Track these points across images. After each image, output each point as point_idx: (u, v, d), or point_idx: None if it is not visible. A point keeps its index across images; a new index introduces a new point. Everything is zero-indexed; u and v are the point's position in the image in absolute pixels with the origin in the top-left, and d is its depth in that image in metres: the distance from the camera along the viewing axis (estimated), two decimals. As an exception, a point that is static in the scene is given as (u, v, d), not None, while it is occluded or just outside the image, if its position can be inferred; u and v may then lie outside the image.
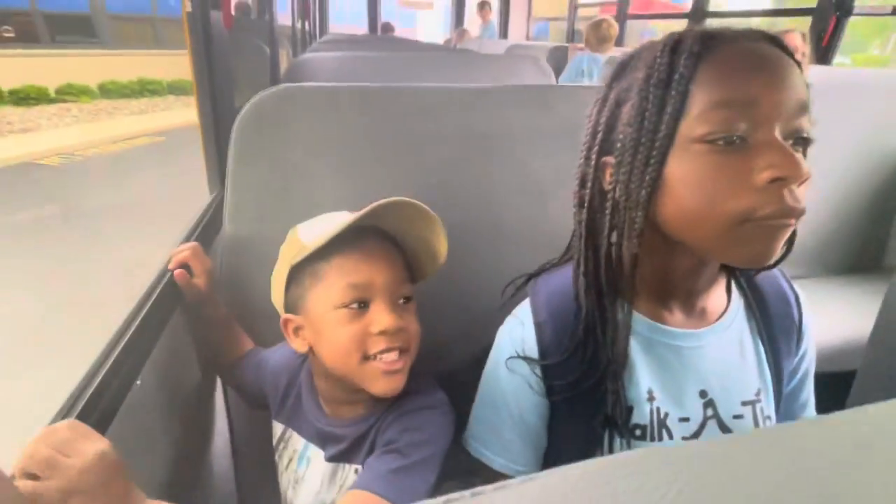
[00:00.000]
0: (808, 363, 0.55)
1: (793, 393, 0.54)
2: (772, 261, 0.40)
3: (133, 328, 0.57)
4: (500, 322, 0.55)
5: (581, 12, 4.05)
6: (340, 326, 0.49)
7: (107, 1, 9.14)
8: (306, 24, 3.72)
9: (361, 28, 5.19)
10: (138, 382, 0.54)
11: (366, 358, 0.49)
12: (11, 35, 7.89)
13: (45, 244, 2.87)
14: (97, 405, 0.46)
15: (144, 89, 7.95)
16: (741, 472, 0.12)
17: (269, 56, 1.76)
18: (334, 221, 0.49)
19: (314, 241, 0.49)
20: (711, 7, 2.81)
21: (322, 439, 0.56)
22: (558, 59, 2.91)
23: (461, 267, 0.70)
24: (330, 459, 0.54)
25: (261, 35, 1.78)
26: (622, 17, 3.31)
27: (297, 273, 0.51)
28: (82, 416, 0.43)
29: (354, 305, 0.49)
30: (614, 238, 0.46)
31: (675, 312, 0.49)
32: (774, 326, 0.51)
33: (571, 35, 4.10)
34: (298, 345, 0.53)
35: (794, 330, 0.53)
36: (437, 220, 0.52)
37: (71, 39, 8.59)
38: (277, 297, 0.54)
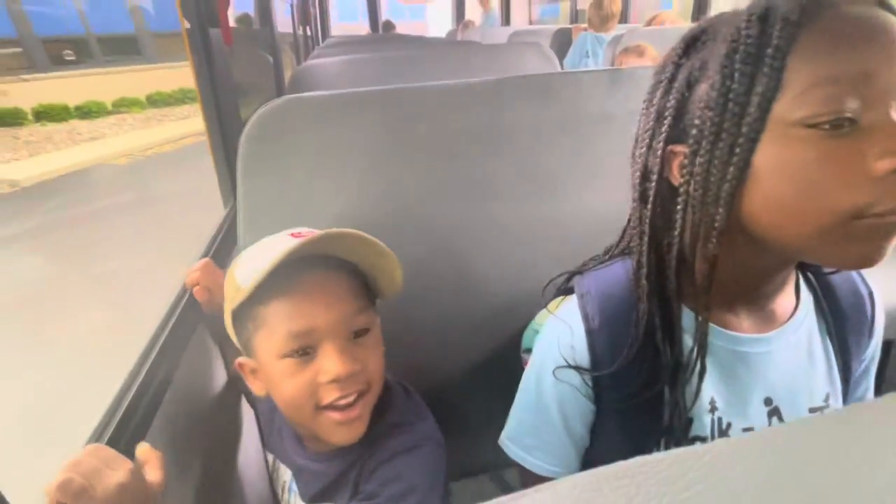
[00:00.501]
0: (871, 358, 0.51)
1: (854, 389, 0.51)
2: (880, 262, 0.35)
3: (159, 344, 0.59)
4: (515, 318, 0.54)
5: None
6: (287, 378, 0.45)
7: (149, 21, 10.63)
8: (307, 29, 3.74)
9: (362, 26, 5.20)
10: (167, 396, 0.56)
11: (319, 408, 0.45)
12: (73, 58, 9.49)
13: (132, 221, 3.81)
14: (129, 424, 0.48)
15: (185, 97, 9.13)
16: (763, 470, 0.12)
17: (273, 65, 1.78)
18: (272, 253, 0.44)
19: (249, 283, 0.44)
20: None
21: (301, 474, 0.54)
22: (562, 42, 2.85)
23: (472, 264, 0.70)
24: (310, 501, 0.52)
25: (263, 45, 1.80)
26: (626, -8, 3.21)
27: (239, 317, 0.47)
28: (114, 438, 0.44)
29: (298, 354, 0.45)
30: (687, 238, 0.40)
31: (741, 316, 0.44)
32: (846, 325, 0.47)
33: (574, 16, 4.02)
34: (257, 388, 0.50)
35: (866, 328, 0.48)
36: (383, 248, 0.48)
37: (119, 58, 10.03)
38: (232, 337, 0.50)
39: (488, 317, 0.72)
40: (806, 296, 0.47)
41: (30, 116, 7.79)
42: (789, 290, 0.45)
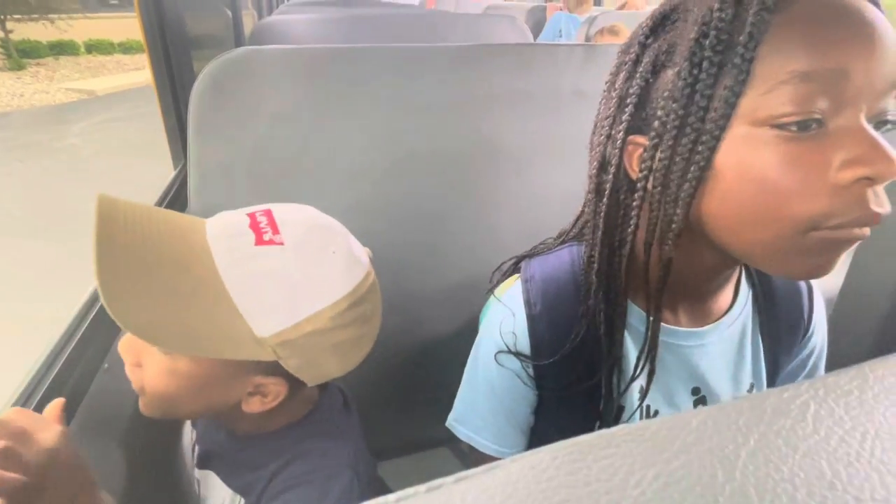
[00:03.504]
0: (816, 358, 0.51)
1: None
2: (828, 273, 0.34)
3: (97, 307, 0.54)
4: (479, 294, 0.53)
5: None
6: None
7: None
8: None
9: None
10: (105, 366, 0.52)
11: None
12: (116, 2, 11.54)
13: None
14: (60, 391, 0.44)
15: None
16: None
17: (232, 19, 1.66)
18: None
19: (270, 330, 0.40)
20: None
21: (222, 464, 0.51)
22: (537, 19, 2.82)
23: (438, 238, 0.69)
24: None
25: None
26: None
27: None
28: (43, 402, 0.41)
29: None
30: (641, 237, 0.38)
31: (679, 311, 0.44)
32: (780, 320, 0.47)
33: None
34: None
35: (802, 323, 0.48)
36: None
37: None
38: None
39: (452, 291, 0.71)
40: (745, 290, 0.46)
41: (83, 49, 10.59)
42: (730, 286, 0.45)
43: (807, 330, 0.49)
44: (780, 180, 0.31)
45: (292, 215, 0.43)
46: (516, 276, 0.48)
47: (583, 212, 0.46)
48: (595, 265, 0.41)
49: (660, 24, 0.36)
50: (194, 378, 0.41)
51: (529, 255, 0.50)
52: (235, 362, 0.40)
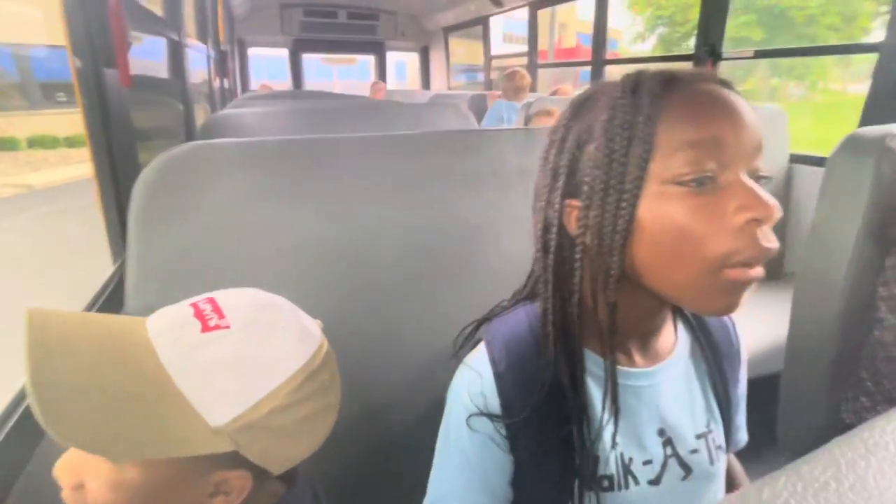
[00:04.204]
0: (742, 387, 0.56)
1: (736, 414, 0.55)
2: (736, 311, 0.39)
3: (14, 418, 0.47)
4: (438, 368, 0.52)
5: (495, 63, 4.35)
6: None
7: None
8: (226, 81, 3.66)
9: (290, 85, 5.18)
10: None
11: None
12: (64, 99, 10.65)
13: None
14: None
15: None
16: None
17: (184, 113, 1.69)
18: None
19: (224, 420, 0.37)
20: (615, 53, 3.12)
21: None
22: (479, 106, 3.07)
23: (392, 317, 0.67)
24: None
25: (174, 92, 1.71)
26: (532, 67, 3.58)
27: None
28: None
29: None
30: (587, 285, 0.43)
31: (631, 353, 0.47)
32: (720, 354, 0.52)
33: (489, 84, 4.37)
34: None
35: (735, 354, 0.53)
36: None
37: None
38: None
39: (415, 369, 0.68)
40: (682, 329, 0.51)
41: (24, 144, 10.42)
42: (670, 326, 0.50)
43: (739, 358, 0.54)
44: (689, 227, 0.37)
45: (236, 299, 0.42)
46: (479, 344, 0.50)
47: (533, 270, 0.50)
48: (550, 317, 0.45)
49: (578, 109, 0.44)
50: (147, 488, 0.37)
51: (488, 317, 0.52)
52: (192, 461, 0.36)
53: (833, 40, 9.76)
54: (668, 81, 0.39)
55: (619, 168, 0.39)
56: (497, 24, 4.19)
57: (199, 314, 0.39)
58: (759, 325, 1.33)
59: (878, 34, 1.53)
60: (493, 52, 4.33)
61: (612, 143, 0.39)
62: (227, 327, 0.39)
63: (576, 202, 0.42)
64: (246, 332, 0.39)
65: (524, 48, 3.68)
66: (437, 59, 5.21)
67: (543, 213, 0.45)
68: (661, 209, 0.38)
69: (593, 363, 0.46)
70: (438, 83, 5.25)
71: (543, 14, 3.53)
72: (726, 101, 0.38)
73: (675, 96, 0.38)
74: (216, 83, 2.84)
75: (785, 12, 10.10)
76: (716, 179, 0.37)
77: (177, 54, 1.65)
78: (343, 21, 4.75)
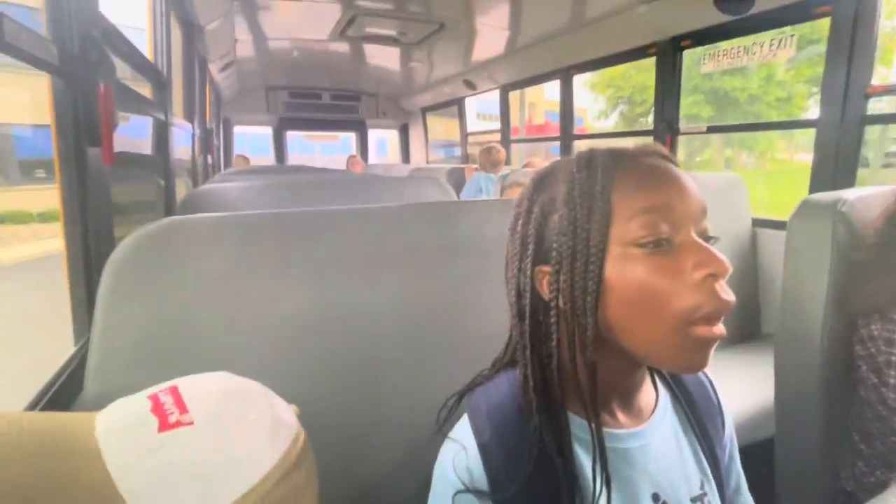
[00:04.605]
0: (731, 446, 0.55)
1: (727, 478, 0.53)
2: (706, 367, 0.41)
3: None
4: (436, 446, 0.49)
5: (471, 138, 4.60)
6: None
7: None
8: (209, 157, 3.75)
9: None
10: None
11: None
12: (43, 175, 10.74)
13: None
14: None
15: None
16: None
17: (165, 188, 1.70)
18: None
19: None
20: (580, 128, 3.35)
21: None
22: (457, 178, 3.20)
23: (373, 391, 0.64)
24: None
25: (157, 168, 1.73)
26: (505, 142, 3.80)
27: None
28: None
29: None
30: (564, 348, 0.44)
31: (616, 414, 0.47)
32: (701, 414, 0.52)
33: (465, 158, 4.59)
34: None
35: (716, 411, 0.54)
36: None
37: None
38: None
39: (399, 447, 0.64)
40: (662, 389, 0.52)
41: None
42: (649, 383, 0.51)
43: (722, 419, 0.54)
44: (653, 285, 0.40)
45: (202, 387, 0.38)
46: (463, 417, 0.48)
47: (511, 337, 0.50)
48: (531, 383, 0.45)
49: (540, 183, 0.48)
50: None
51: (470, 388, 0.51)
52: None
53: (774, 116, 10.82)
54: (618, 156, 0.44)
55: (583, 234, 0.42)
56: (472, 103, 4.50)
57: (157, 408, 0.35)
58: (746, 389, 1.32)
59: (813, 111, 1.69)
60: (469, 129, 4.60)
61: (574, 211, 0.42)
62: (190, 423, 0.35)
63: (546, 268, 0.44)
64: (211, 429, 0.35)
65: (498, 125, 3.93)
66: (416, 135, 5.50)
67: (516, 280, 0.47)
68: (625, 270, 0.41)
69: (579, 428, 0.45)
70: (418, 157, 5.49)
71: (514, 94, 3.81)
72: (669, 171, 0.43)
73: (625, 169, 0.43)
74: (200, 159, 2.91)
75: (729, 93, 11.21)
76: (671, 241, 0.40)
77: (162, 133, 1.70)
78: (326, 102, 5.03)
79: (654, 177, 0.42)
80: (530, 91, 3.89)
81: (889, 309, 0.83)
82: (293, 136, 5.77)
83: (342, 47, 3.14)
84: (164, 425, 0.34)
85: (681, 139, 2.31)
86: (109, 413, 0.36)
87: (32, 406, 0.60)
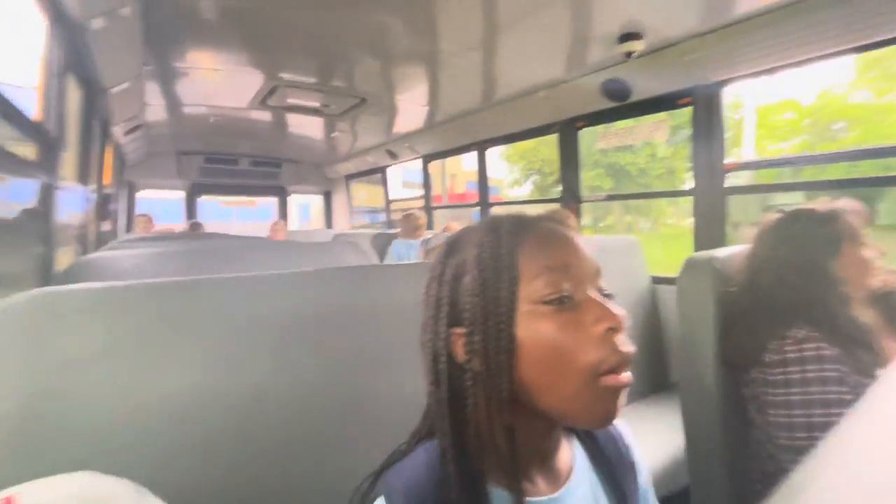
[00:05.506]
0: (650, 499, 0.56)
1: None
2: (617, 417, 0.43)
3: None
4: None
5: (395, 205, 4.70)
6: None
7: None
8: (108, 223, 3.42)
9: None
10: None
11: None
12: None
13: None
14: None
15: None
16: None
17: (42, 257, 1.50)
18: None
19: None
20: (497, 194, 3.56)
21: None
22: (382, 244, 3.21)
23: (293, 473, 0.58)
24: None
25: (37, 234, 1.54)
26: (427, 209, 3.93)
27: None
28: None
29: None
30: (482, 412, 0.44)
31: (535, 479, 0.47)
32: (616, 471, 0.52)
33: (389, 224, 4.65)
34: None
35: (629, 469, 0.54)
36: None
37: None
38: None
39: None
40: (579, 450, 0.52)
41: None
42: (566, 444, 0.51)
43: (633, 468, 0.55)
44: (560, 340, 0.42)
45: (51, 494, 0.33)
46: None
47: (428, 405, 0.49)
48: (450, 452, 0.44)
49: (451, 247, 0.50)
50: None
51: (386, 466, 0.49)
52: None
53: (661, 187, 12.48)
54: (520, 221, 0.47)
55: (493, 294, 0.44)
56: (398, 172, 4.65)
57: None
58: (660, 439, 1.37)
59: (691, 183, 1.98)
60: (393, 196, 4.71)
61: (483, 272, 0.45)
62: None
63: (460, 330, 0.46)
64: None
65: (421, 192, 4.08)
66: (340, 201, 5.50)
67: (432, 344, 0.47)
68: (534, 327, 0.43)
69: (500, 499, 0.44)
70: (342, 223, 5.45)
71: (437, 164, 4.01)
72: (566, 236, 0.47)
73: (527, 233, 0.46)
74: (93, 226, 2.64)
75: (623, 167, 12.86)
76: (573, 298, 0.43)
77: (46, 197, 1.53)
78: (245, 168, 4.89)
79: (553, 239, 0.46)
80: (450, 162, 4.13)
81: (759, 354, 0.93)
82: (208, 202, 5.49)
83: (263, 115, 3.14)
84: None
85: (587, 206, 2.55)
86: None
87: None
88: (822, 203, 1.00)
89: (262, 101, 2.75)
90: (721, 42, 1.56)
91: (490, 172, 3.21)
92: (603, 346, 0.41)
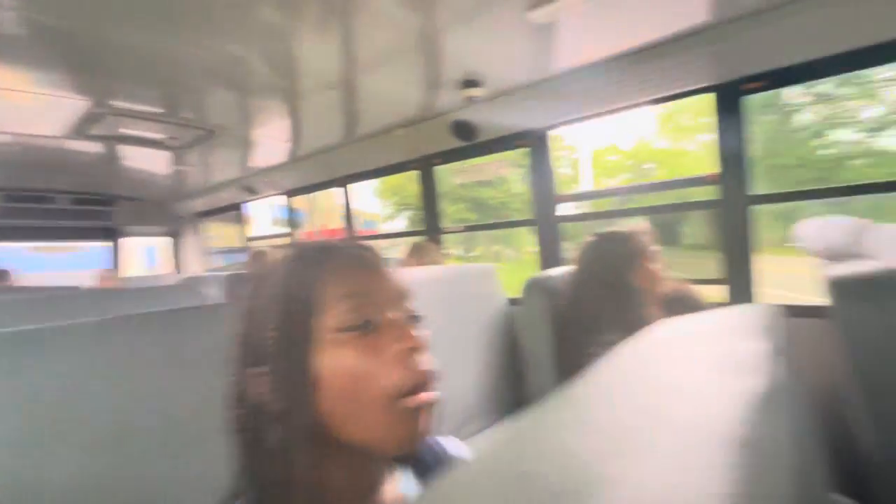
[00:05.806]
0: None
1: None
2: (421, 440, 0.42)
3: None
4: None
5: (262, 243, 4.38)
6: None
7: None
8: None
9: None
10: None
11: None
12: None
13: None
14: None
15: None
16: None
17: None
18: None
19: None
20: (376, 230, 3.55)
21: None
22: (237, 285, 2.95)
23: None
24: None
25: None
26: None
27: None
28: None
29: None
30: (289, 454, 0.41)
31: None
32: (433, 475, 0.52)
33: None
34: None
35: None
36: None
37: None
38: None
39: None
40: (411, 482, 0.51)
41: None
42: (395, 479, 0.50)
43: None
44: (361, 366, 0.41)
45: None
46: None
47: (239, 467, 0.46)
48: None
49: (257, 283, 0.47)
50: None
51: None
52: None
53: (519, 218, 13.86)
54: (324, 250, 0.47)
55: (289, 325, 0.43)
56: (265, 208, 4.34)
57: None
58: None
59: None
60: (259, 233, 4.39)
61: (286, 305, 0.43)
62: None
63: (258, 370, 0.43)
64: None
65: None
66: (192, 242, 4.94)
67: (234, 388, 0.45)
68: (336, 356, 0.42)
69: None
70: (195, 266, 4.89)
71: (307, 200, 3.87)
72: (370, 261, 0.47)
73: (330, 261, 0.46)
74: None
75: (486, 201, 14.02)
76: (374, 323, 0.44)
77: None
78: (64, 206, 4.10)
79: (356, 265, 0.46)
80: (323, 197, 4.02)
81: (583, 360, 1.08)
82: (11, 248, 4.46)
83: (88, 146, 2.72)
84: None
85: (459, 238, 2.70)
86: None
87: None
88: (620, 226, 1.23)
89: (83, 130, 2.39)
90: (543, 93, 1.84)
91: (368, 207, 3.21)
92: (401, 368, 0.42)
